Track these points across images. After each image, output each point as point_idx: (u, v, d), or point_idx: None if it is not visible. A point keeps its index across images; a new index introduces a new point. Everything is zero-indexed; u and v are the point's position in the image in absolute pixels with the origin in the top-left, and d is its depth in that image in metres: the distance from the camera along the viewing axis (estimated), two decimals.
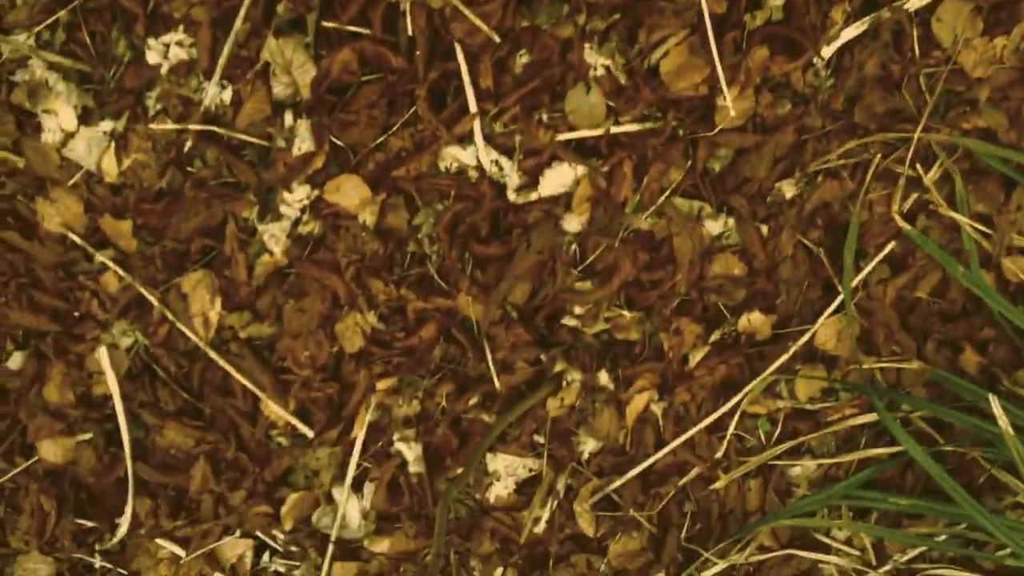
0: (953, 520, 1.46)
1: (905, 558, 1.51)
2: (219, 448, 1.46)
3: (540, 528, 1.48)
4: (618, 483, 1.47)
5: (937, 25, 1.34)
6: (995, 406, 1.28)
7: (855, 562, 1.51)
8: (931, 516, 1.47)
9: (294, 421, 1.43)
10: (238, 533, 1.50)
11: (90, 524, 1.49)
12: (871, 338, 1.44)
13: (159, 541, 1.50)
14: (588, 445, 1.47)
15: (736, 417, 1.45)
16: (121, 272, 1.39)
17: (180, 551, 1.50)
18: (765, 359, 1.44)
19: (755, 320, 1.42)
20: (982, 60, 1.35)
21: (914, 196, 1.39)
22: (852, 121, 1.36)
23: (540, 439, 1.46)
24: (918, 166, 1.38)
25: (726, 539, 1.50)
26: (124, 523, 1.48)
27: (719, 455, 1.47)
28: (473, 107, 1.33)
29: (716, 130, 1.34)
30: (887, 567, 1.51)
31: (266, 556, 1.52)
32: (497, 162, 1.36)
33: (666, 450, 1.46)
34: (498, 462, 1.47)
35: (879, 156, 1.38)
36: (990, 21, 1.34)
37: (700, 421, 1.45)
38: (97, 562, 1.51)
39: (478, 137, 1.35)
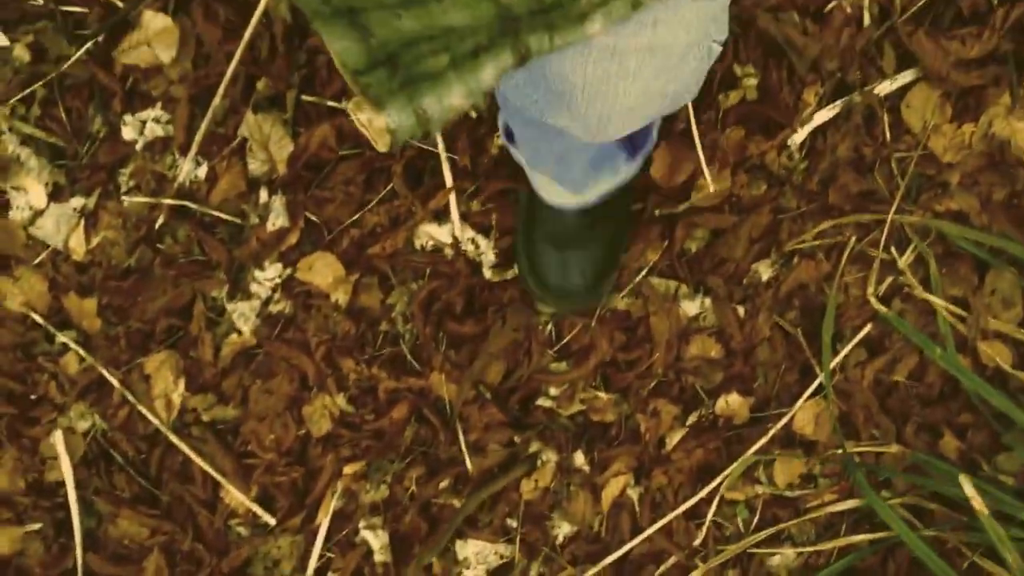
0: None
1: None
2: (175, 538, 1.48)
3: None
4: (592, 571, 1.50)
5: (906, 111, 1.43)
6: (967, 486, 1.32)
7: None
8: None
9: (255, 508, 1.47)
10: None
11: None
12: (850, 420, 1.49)
13: None
14: (563, 529, 1.50)
15: (715, 503, 1.49)
16: (82, 353, 1.43)
17: None
18: (743, 442, 1.48)
19: (733, 402, 1.48)
20: (951, 145, 1.43)
21: (889, 279, 1.46)
22: (827, 202, 1.44)
23: (513, 523, 1.50)
24: (893, 249, 1.45)
25: None
26: None
27: (697, 543, 1.50)
28: (449, 181, 1.40)
29: (686, 205, 1.41)
30: None
31: None
32: (473, 240, 1.44)
33: (642, 536, 1.49)
34: (468, 549, 1.50)
35: (853, 238, 1.45)
36: (958, 108, 1.43)
37: (677, 506, 1.49)
38: None
39: (454, 212, 1.42)
